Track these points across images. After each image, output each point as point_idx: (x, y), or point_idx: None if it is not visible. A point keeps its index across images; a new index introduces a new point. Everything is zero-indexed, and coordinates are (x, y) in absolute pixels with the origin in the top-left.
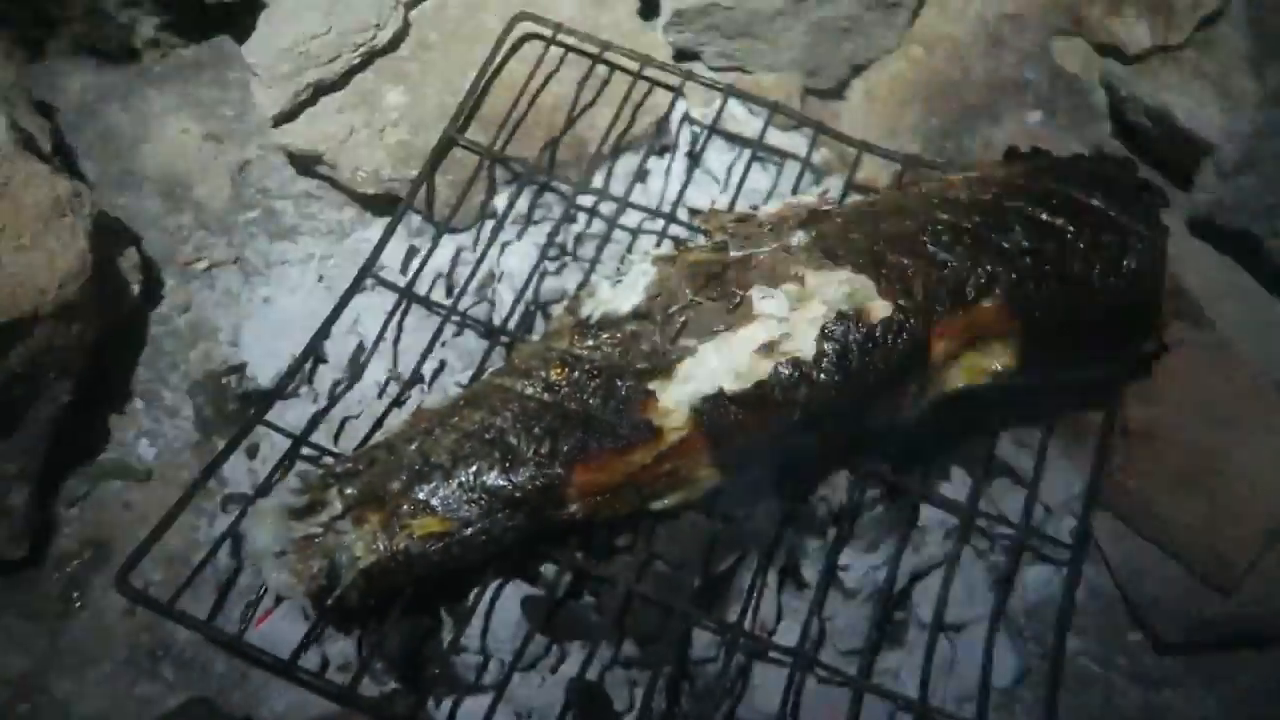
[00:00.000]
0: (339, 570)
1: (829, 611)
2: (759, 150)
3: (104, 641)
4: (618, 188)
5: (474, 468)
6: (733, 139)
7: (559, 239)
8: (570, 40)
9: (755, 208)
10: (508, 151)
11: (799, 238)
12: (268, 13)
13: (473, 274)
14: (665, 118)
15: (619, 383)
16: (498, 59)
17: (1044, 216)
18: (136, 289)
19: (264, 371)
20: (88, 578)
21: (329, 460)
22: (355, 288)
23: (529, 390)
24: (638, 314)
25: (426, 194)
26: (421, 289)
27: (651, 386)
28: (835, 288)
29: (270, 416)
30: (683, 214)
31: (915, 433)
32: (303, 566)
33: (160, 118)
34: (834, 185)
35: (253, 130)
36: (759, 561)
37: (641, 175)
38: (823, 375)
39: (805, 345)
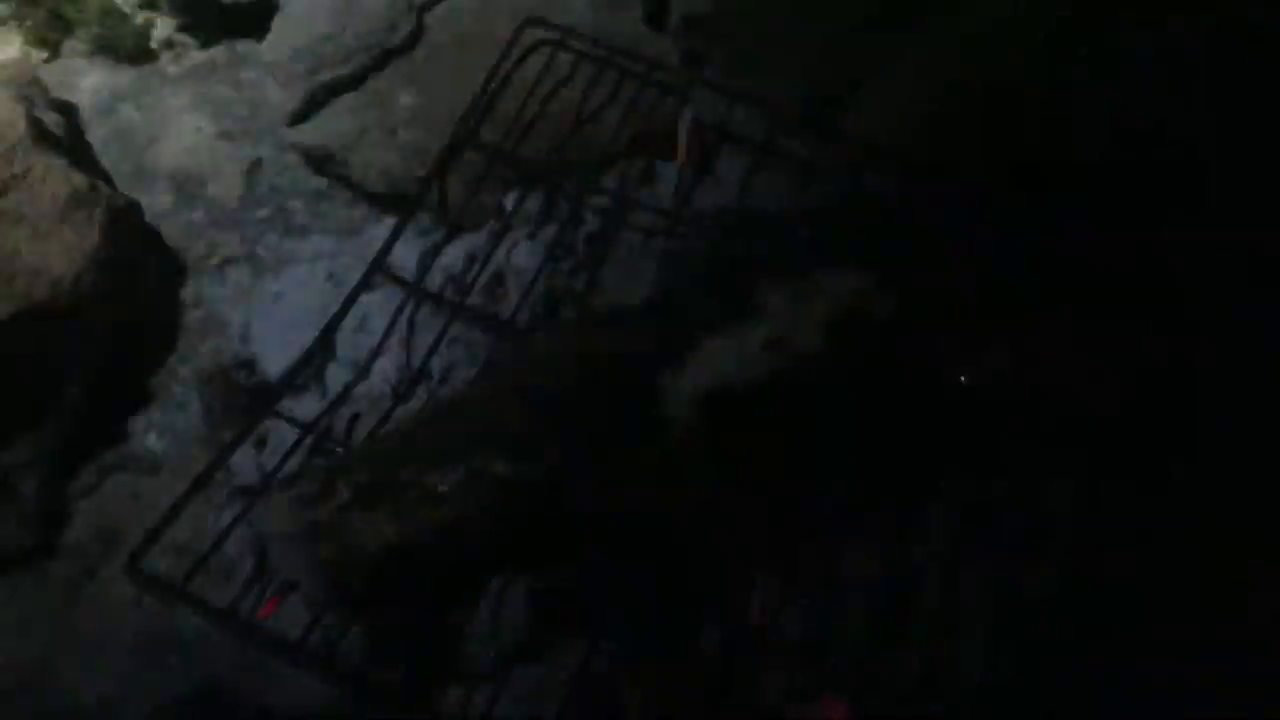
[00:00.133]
0: (348, 558)
1: None
2: (765, 154)
3: (113, 629)
4: (626, 189)
5: (484, 459)
6: (740, 143)
7: (568, 238)
8: (579, 45)
9: None
10: (518, 152)
11: None
12: (282, 14)
13: (482, 272)
14: (673, 121)
15: (628, 377)
16: (508, 62)
17: None
18: (149, 283)
19: (273, 366)
20: (98, 567)
21: (338, 450)
22: (365, 284)
23: (539, 384)
24: (645, 309)
25: (437, 193)
26: (431, 286)
27: (660, 381)
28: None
29: (279, 410)
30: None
31: None
32: (312, 555)
33: (175, 116)
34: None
35: (266, 129)
36: None
37: (649, 178)
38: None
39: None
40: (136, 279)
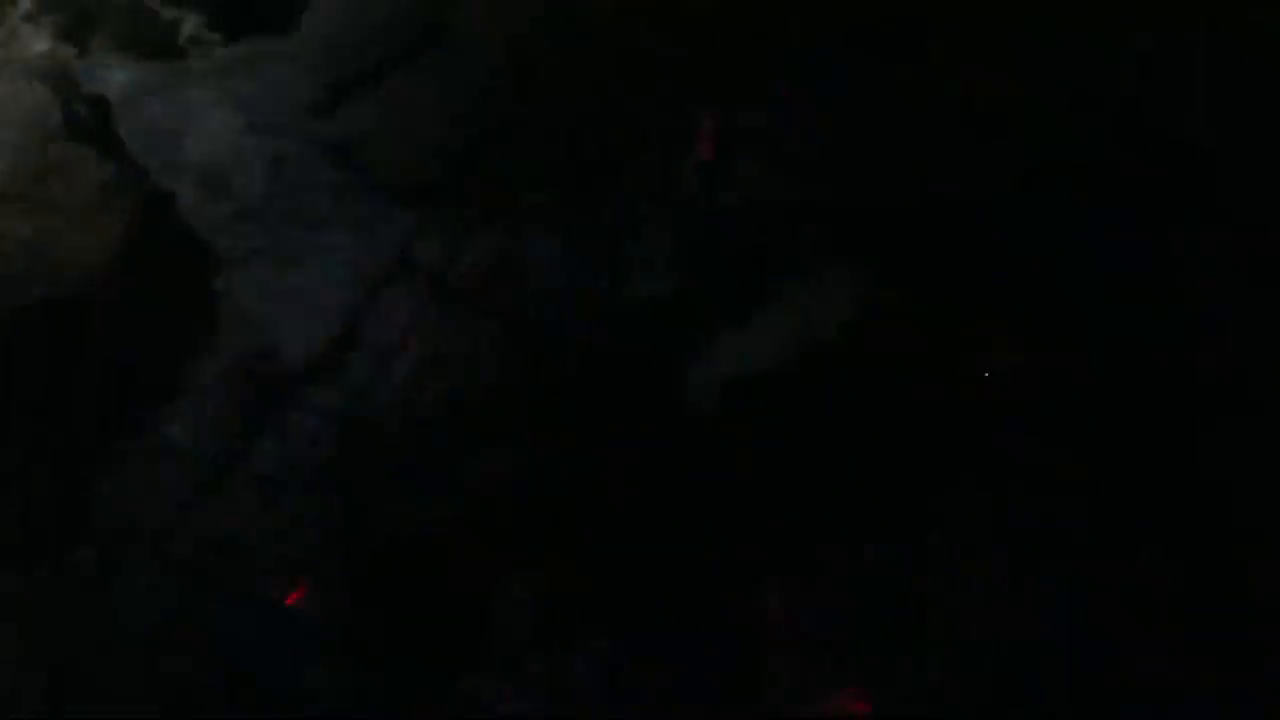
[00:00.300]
0: (375, 546)
1: None
2: (781, 152)
3: (137, 616)
4: (647, 184)
5: (506, 449)
6: (756, 139)
7: (589, 232)
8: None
9: None
10: (539, 145)
11: None
12: (307, 13)
13: (502, 265)
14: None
15: (648, 369)
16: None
17: None
18: (176, 274)
19: (296, 357)
20: (122, 555)
21: (362, 440)
22: (387, 277)
23: (560, 375)
24: (668, 299)
25: (460, 186)
26: (452, 279)
27: (680, 372)
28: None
29: (302, 400)
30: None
31: None
32: (340, 542)
33: (201, 111)
34: None
35: (290, 124)
36: None
37: (667, 171)
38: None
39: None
40: (164, 269)
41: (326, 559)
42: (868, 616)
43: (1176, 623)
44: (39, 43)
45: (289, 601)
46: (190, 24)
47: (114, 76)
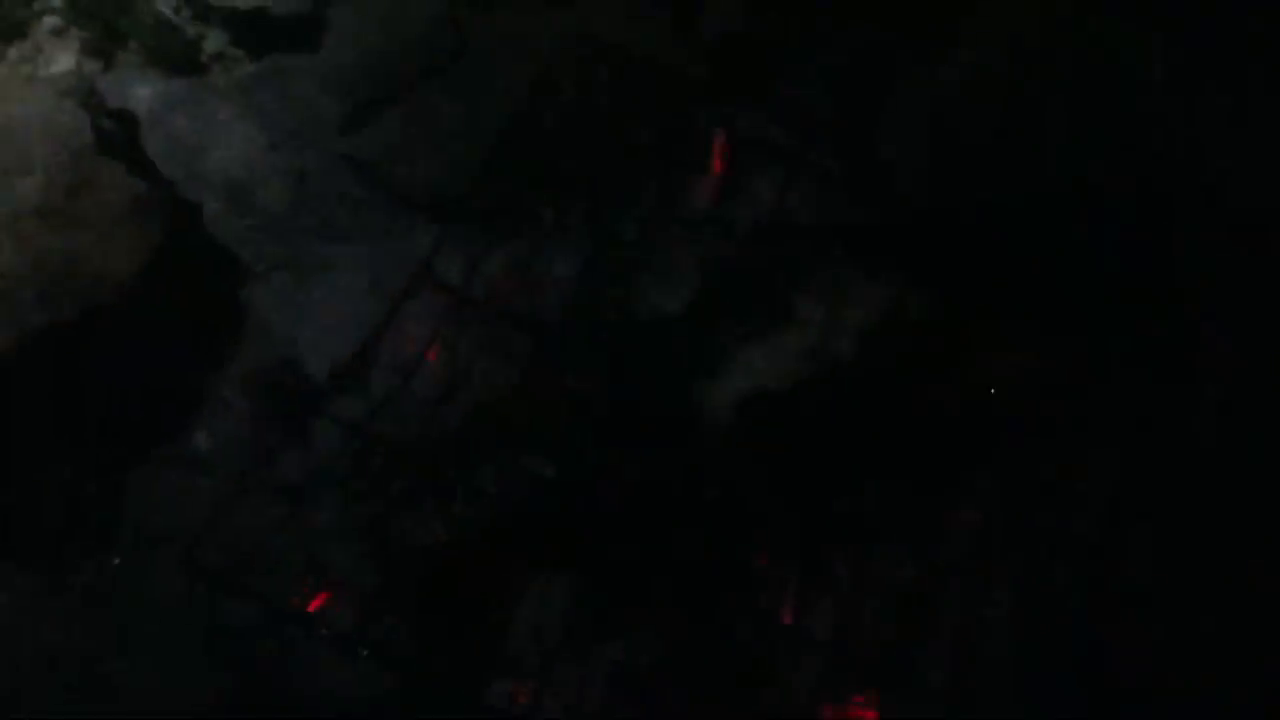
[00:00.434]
0: (397, 554)
1: None
2: (797, 165)
3: (163, 623)
4: (663, 199)
5: (527, 459)
6: (772, 153)
7: (607, 247)
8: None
9: None
10: (557, 162)
11: None
12: (330, 28)
13: (522, 279)
14: (705, 135)
15: (666, 382)
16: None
17: None
18: (202, 287)
19: (319, 368)
20: (148, 562)
21: (384, 451)
22: (409, 290)
23: (580, 387)
24: (684, 315)
25: (480, 201)
26: (473, 292)
27: (698, 385)
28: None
29: (325, 411)
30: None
31: None
32: (362, 551)
33: (225, 126)
34: None
35: (313, 139)
36: None
37: (684, 185)
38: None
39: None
40: (189, 281)
41: (350, 567)
42: (879, 623)
43: (1185, 628)
44: (65, 58)
45: (313, 608)
46: (214, 40)
47: (139, 91)
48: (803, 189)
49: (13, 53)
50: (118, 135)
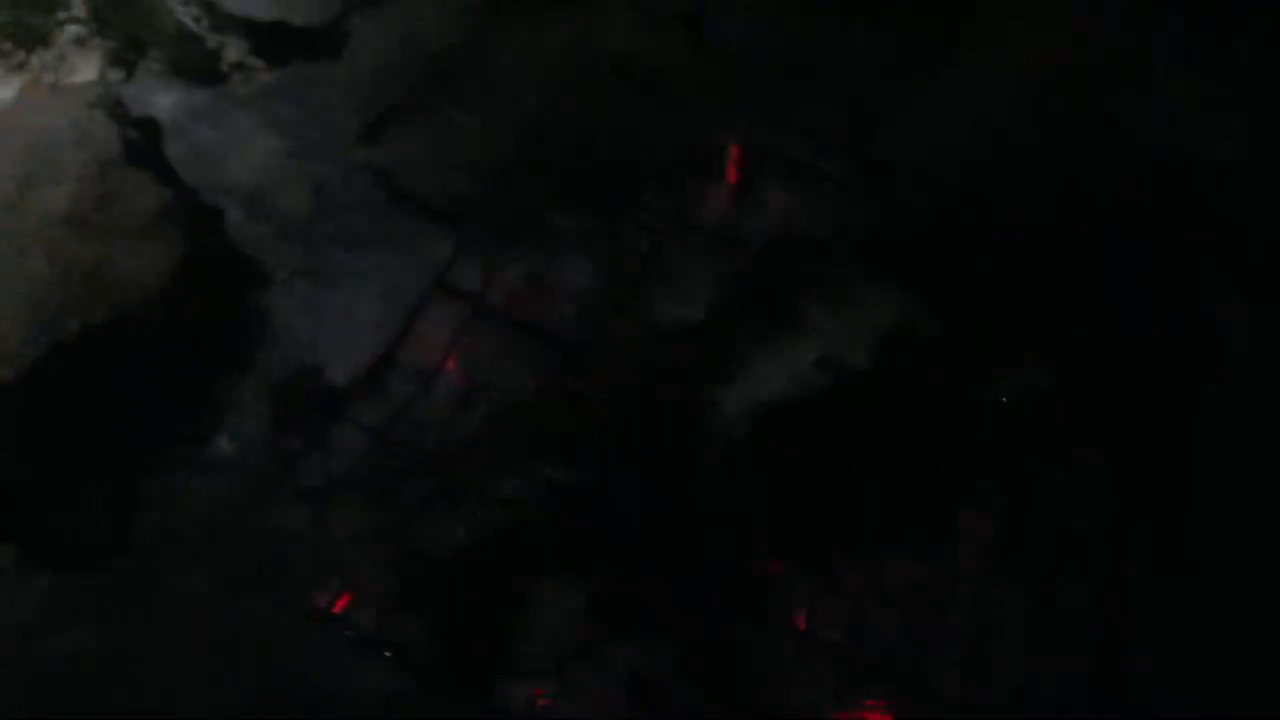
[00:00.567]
0: (417, 558)
1: None
2: (810, 176)
3: (183, 624)
4: (677, 210)
5: (542, 465)
6: (785, 164)
7: (621, 257)
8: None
9: None
10: (572, 173)
11: None
12: (348, 39)
13: (538, 287)
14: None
15: (680, 390)
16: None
17: None
18: (225, 293)
19: (338, 374)
20: (168, 565)
21: (403, 456)
22: (427, 297)
23: (595, 395)
24: (697, 324)
25: (496, 210)
26: (490, 300)
27: (711, 394)
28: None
29: (345, 416)
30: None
31: None
32: (382, 555)
33: (246, 135)
34: None
35: (332, 148)
36: None
37: (698, 197)
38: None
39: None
40: (211, 287)
41: (370, 570)
42: (890, 628)
43: (1194, 634)
44: (88, 67)
45: (333, 611)
46: (234, 50)
47: (161, 100)
48: (815, 200)
49: (35, 61)
50: (143, 144)
